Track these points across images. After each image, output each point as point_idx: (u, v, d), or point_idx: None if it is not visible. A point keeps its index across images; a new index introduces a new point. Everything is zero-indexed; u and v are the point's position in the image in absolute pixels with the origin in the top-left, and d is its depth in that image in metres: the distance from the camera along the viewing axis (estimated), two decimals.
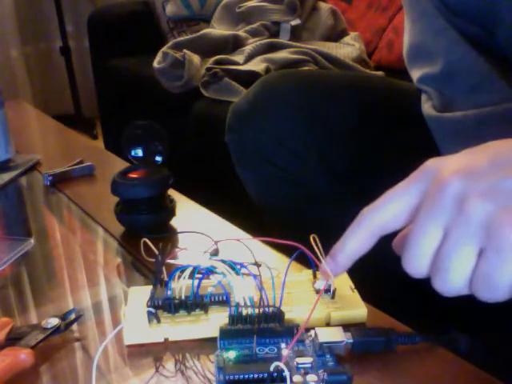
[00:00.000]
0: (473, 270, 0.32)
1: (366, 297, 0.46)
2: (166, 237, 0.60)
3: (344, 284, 0.47)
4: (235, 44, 1.70)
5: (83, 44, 2.76)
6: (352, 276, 0.48)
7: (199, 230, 0.55)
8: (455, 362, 0.40)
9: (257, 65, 1.52)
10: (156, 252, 0.48)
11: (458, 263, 0.32)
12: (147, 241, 0.53)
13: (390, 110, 0.72)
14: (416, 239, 0.34)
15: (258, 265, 0.44)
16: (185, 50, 1.57)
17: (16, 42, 2.62)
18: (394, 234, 0.38)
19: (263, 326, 0.40)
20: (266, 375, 0.36)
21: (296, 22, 1.72)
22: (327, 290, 0.45)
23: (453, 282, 0.33)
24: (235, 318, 0.41)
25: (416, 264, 0.35)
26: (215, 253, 0.54)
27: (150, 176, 0.60)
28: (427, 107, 0.61)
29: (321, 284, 0.46)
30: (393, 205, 0.36)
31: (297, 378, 0.36)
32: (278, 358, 0.38)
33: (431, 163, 0.35)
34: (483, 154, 0.34)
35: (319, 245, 0.45)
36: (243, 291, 0.42)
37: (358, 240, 0.38)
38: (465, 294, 0.34)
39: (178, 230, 0.63)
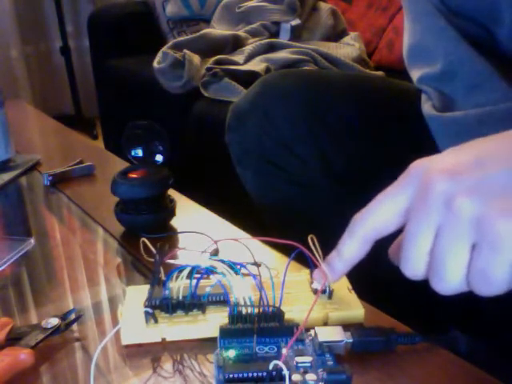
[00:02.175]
0: (468, 267, 0.33)
1: (366, 297, 0.46)
2: (166, 237, 0.60)
3: (341, 284, 0.47)
4: (235, 44, 1.70)
5: (83, 44, 2.76)
6: (351, 276, 0.48)
7: (199, 230, 0.55)
8: (455, 362, 0.40)
9: (257, 65, 1.52)
10: (154, 252, 0.48)
11: (452, 261, 0.33)
12: (146, 241, 0.53)
13: (390, 109, 0.72)
14: (410, 242, 0.35)
15: (257, 265, 0.44)
16: (185, 50, 1.57)
17: (16, 42, 2.62)
18: (392, 235, 0.38)
19: (263, 326, 0.40)
20: (265, 374, 0.36)
21: (296, 22, 1.72)
22: (325, 291, 0.45)
23: (449, 280, 0.33)
24: (235, 318, 0.41)
25: (413, 266, 0.35)
26: (215, 253, 0.54)
27: (150, 176, 0.60)
28: (427, 107, 0.61)
29: (318, 284, 0.46)
30: (383, 209, 0.36)
31: (296, 376, 0.36)
32: (278, 357, 0.38)
33: (417, 165, 0.36)
34: (467, 151, 0.34)
35: (317, 245, 0.45)
36: (242, 291, 0.42)
37: (352, 247, 0.38)
38: (463, 292, 0.34)
39: (178, 230, 0.63)
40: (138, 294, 0.46)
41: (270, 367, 0.36)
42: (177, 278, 0.43)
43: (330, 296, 0.45)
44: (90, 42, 2.17)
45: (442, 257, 0.33)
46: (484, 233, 0.31)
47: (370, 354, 0.40)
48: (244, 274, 0.43)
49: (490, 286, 0.32)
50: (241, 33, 1.72)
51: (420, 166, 0.35)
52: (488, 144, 0.34)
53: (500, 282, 0.32)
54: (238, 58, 1.58)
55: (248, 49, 1.61)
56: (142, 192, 0.60)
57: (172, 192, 0.65)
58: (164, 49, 1.65)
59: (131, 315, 0.44)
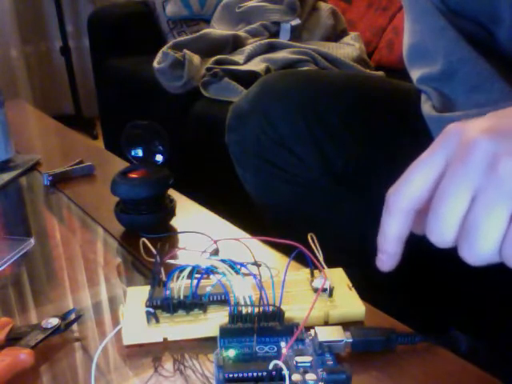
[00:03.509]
0: (504, 235, 0.30)
1: (366, 297, 0.46)
2: (166, 237, 0.60)
3: (341, 282, 0.47)
4: (235, 44, 1.70)
5: (83, 44, 2.76)
6: (351, 275, 0.48)
7: (199, 230, 0.55)
8: (455, 362, 0.40)
9: (257, 65, 1.52)
10: (155, 252, 0.48)
11: (488, 227, 0.30)
12: (146, 241, 0.53)
13: (389, 109, 0.72)
14: (443, 202, 0.32)
15: (257, 264, 0.44)
16: (185, 50, 1.57)
17: (16, 41, 2.62)
18: None
19: (263, 325, 0.40)
20: (265, 374, 0.36)
21: (296, 22, 1.72)
22: (325, 289, 0.45)
23: (482, 248, 0.31)
24: (235, 317, 0.41)
25: (442, 230, 0.32)
26: (215, 253, 0.54)
27: (150, 176, 0.60)
28: (427, 107, 0.61)
29: (318, 283, 0.46)
30: (418, 177, 0.34)
31: (296, 376, 0.36)
32: (278, 356, 0.38)
33: (454, 126, 0.33)
34: (508, 115, 0.32)
35: (317, 243, 0.45)
36: (243, 290, 0.42)
37: (394, 224, 0.35)
38: (493, 264, 0.31)
39: (178, 230, 0.63)
40: (138, 294, 0.46)
41: (270, 367, 0.36)
42: (177, 277, 0.43)
43: (331, 294, 0.45)
44: (90, 42, 2.17)
45: (478, 221, 0.31)
46: None
47: (370, 353, 0.40)
48: (244, 274, 0.43)
49: None
50: (241, 33, 1.72)
51: (458, 127, 0.33)
52: None
53: None
54: (238, 58, 1.58)
55: (248, 49, 1.61)
56: (142, 192, 0.60)
57: (172, 192, 0.65)
58: (164, 49, 1.64)
59: (132, 315, 0.44)
